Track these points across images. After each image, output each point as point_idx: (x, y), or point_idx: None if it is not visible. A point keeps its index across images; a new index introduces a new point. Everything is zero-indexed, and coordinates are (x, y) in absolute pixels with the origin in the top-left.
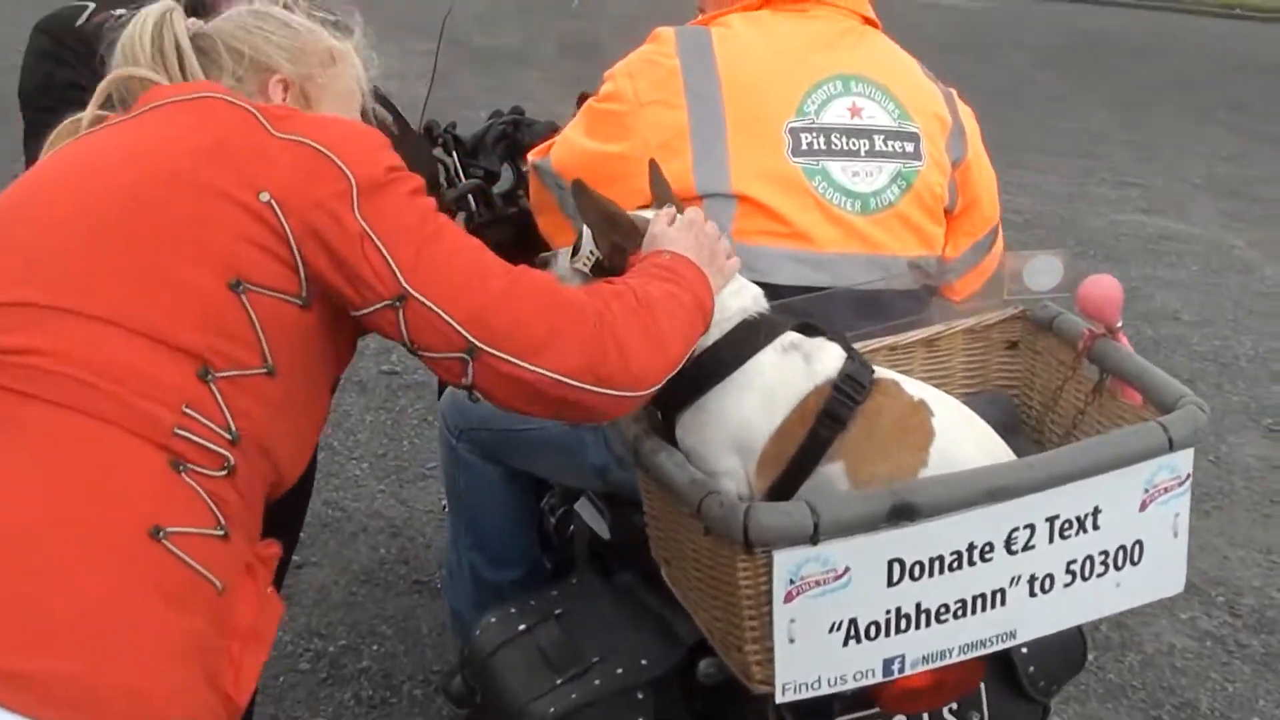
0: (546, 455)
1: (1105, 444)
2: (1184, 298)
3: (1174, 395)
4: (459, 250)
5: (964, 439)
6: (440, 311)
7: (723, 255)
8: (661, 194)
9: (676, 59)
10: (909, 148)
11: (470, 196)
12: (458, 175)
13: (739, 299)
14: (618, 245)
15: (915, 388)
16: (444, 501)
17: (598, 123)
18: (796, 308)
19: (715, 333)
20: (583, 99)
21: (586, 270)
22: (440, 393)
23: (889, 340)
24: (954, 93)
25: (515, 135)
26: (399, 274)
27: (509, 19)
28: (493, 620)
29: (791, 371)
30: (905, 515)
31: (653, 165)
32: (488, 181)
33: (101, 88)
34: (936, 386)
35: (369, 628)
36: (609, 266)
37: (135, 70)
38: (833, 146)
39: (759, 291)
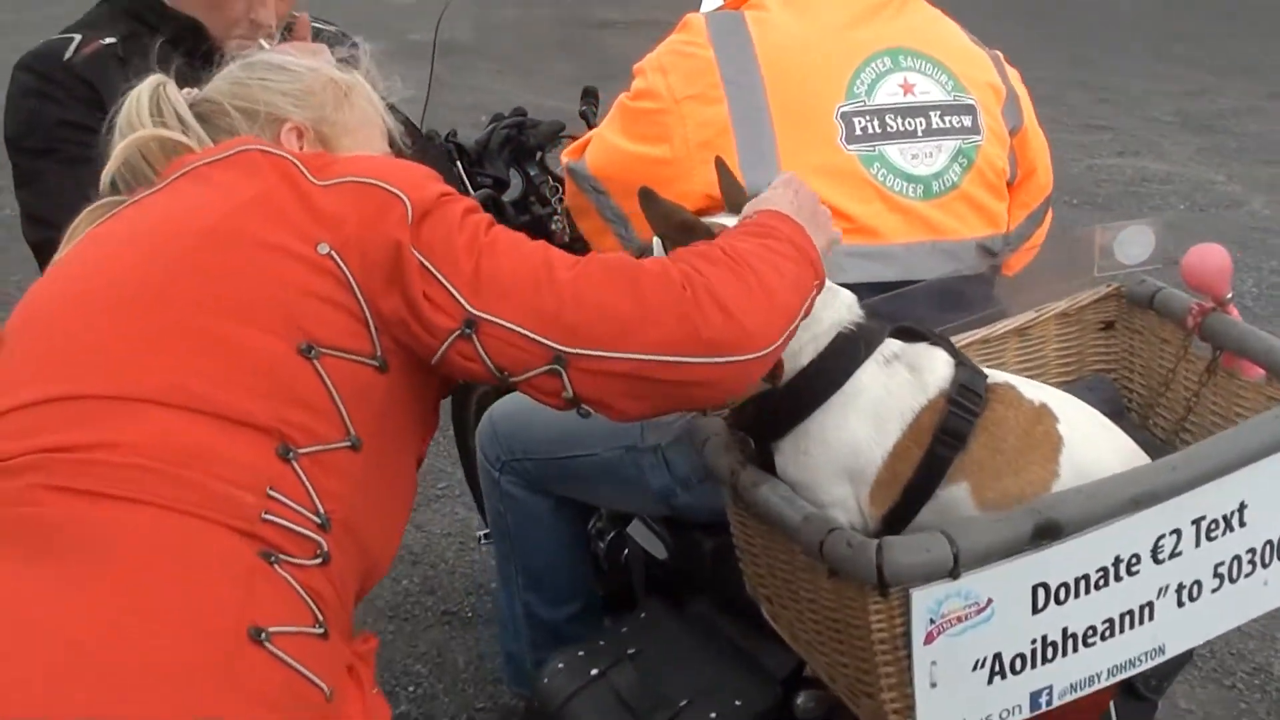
0: (601, 483)
1: (1249, 433)
2: (1176, 240)
3: None
4: (518, 256)
5: (1094, 443)
6: (513, 326)
7: (826, 215)
8: (733, 196)
9: (710, 48)
10: (966, 121)
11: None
12: (465, 186)
13: (831, 309)
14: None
15: (1033, 390)
16: (480, 533)
17: (633, 122)
18: (880, 310)
19: (810, 349)
20: (588, 94)
21: None
22: (455, 413)
23: (980, 333)
24: (1000, 56)
25: (520, 139)
26: (461, 299)
27: (451, 10)
28: (560, 665)
29: (899, 386)
30: (1050, 534)
31: (720, 165)
32: (497, 190)
33: (117, 153)
34: (1031, 376)
35: (403, 668)
36: None
37: (160, 131)
38: (888, 129)
39: (851, 298)
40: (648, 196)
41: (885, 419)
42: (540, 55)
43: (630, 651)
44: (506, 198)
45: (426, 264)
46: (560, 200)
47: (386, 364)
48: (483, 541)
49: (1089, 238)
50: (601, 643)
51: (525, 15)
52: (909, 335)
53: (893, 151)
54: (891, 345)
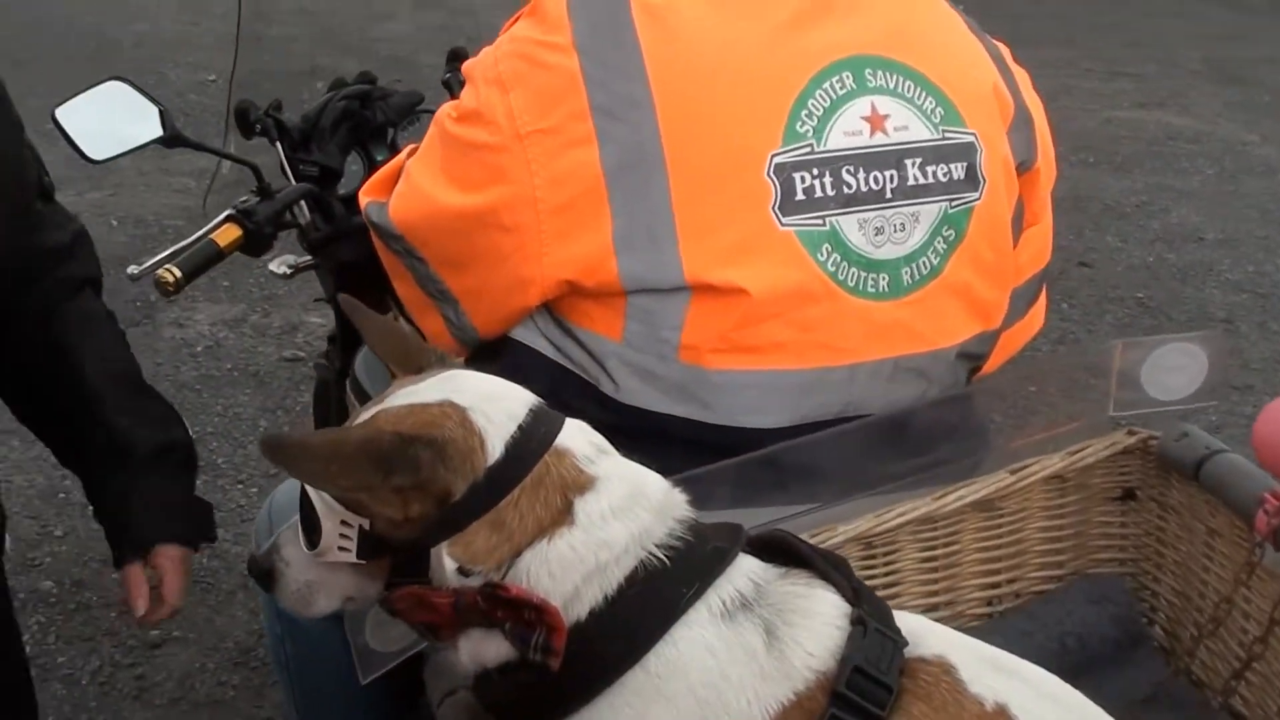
0: None
1: None
2: (1204, 211)
3: None
4: None
5: None
6: None
7: None
8: (401, 351)
9: (574, 54)
10: (958, 171)
11: (304, 205)
12: (286, 175)
13: (629, 516)
14: (401, 489)
15: (986, 672)
16: None
17: (456, 158)
18: (784, 461)
19: (592, 593)
20: (455, 57)
21: (353, 557)
22: (341, 375)
23: (920, 508)
24: (1004, 51)
25: (364, 114)
26: None
27: None
28: None
29: (744, 663)
30: None
31: (352, 308)
32: (324, 181)
33: None
34: (1001, 570)
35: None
36: (393, 539)
37: None
38: (845, 189)
39: (664, 492)
40: (277, 446)
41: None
42: None
43: None
44: (342, 189)
45: None
46: None
47: None
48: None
49: (1105, 357)
50: None
51: None
52: (777, 553)
53: (850, 225)
54: (739, 579)
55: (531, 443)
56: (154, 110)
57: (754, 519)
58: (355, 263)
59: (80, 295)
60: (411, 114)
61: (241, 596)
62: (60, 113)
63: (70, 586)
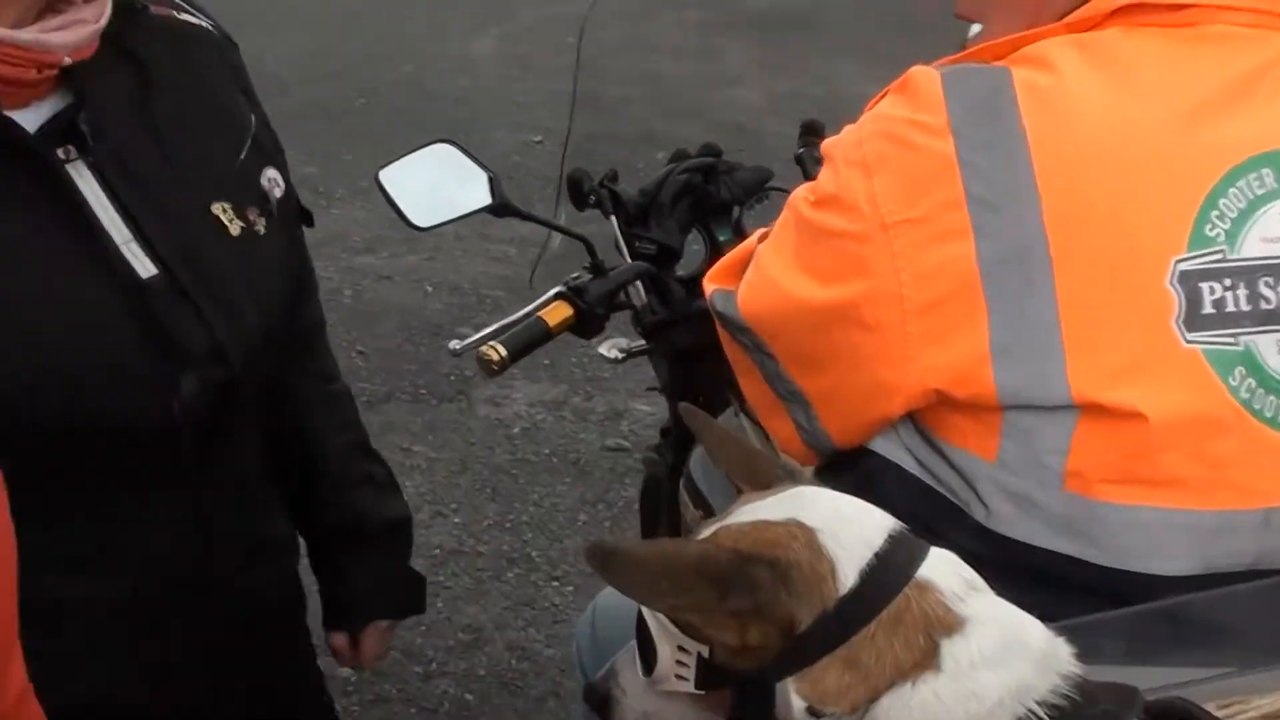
0: None
1: None
2: None
3: None
4: None
5: None
6: None
7: None
8: (749, 469)
9: (949, 137)
10: None
11: (639, 285)
12: (620, 251)
13: (1000, 669)
14: (739, 613)
15: None
16: None
17: (811, 245)
18: (1194, 615)
19: None
20: (810, 131)
21: (691, 688)
22: (675, 472)
23: None
24: None
25: (706, 188)
26: None
27: None
28: None
29: None
30: None
31: (688, 413)
32: (662, 261)
33: None
34: None
35: None
36: (734, 669)
37: None
38: (1263, 304)
39: (1040, 633)
40: (610, 556)
41: None
42: (899, 34)
43: None
44: (681, 270)
45: None
46: None
47: None
48: None
49: None
50: None
51: None
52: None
53: (1268, 347)
54: None
55: (889, 573)
56: (483, 176)
57: (1149, 680)
58: (692, 350)
59: (316, 348)
60: (759, 191)
61: (552, 704)
62: (384, 175)
63: (369, 676)
